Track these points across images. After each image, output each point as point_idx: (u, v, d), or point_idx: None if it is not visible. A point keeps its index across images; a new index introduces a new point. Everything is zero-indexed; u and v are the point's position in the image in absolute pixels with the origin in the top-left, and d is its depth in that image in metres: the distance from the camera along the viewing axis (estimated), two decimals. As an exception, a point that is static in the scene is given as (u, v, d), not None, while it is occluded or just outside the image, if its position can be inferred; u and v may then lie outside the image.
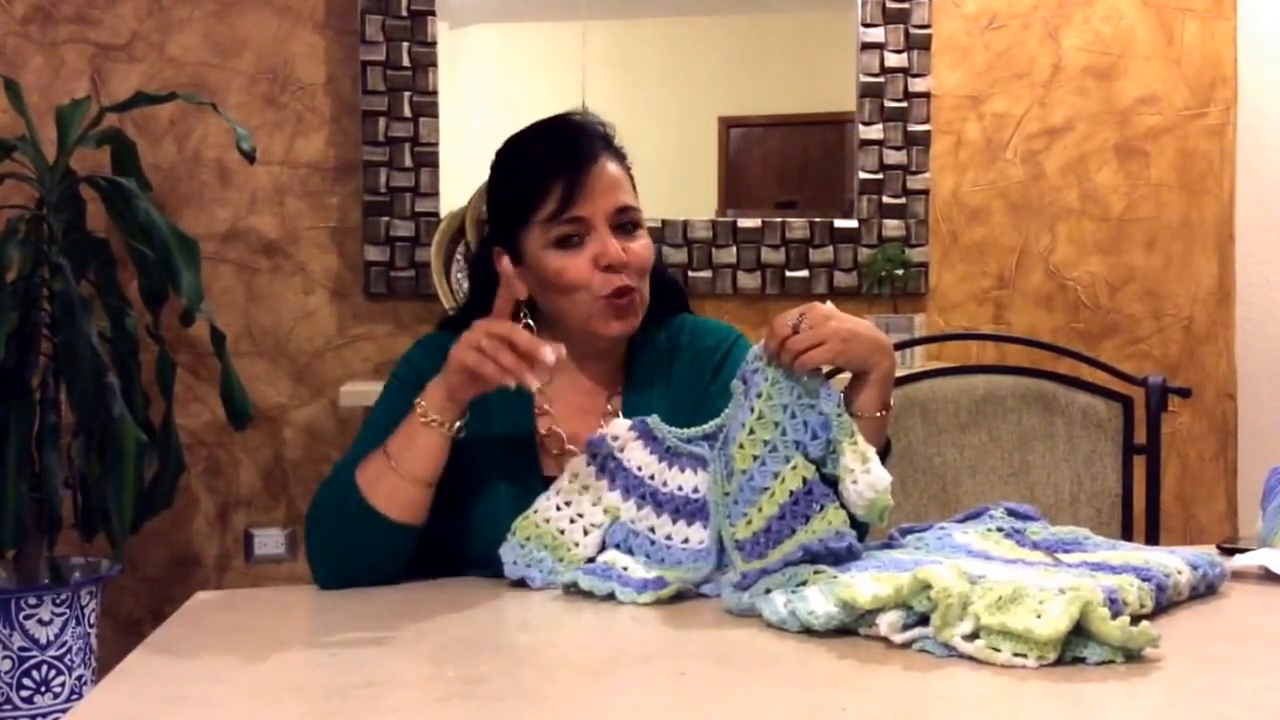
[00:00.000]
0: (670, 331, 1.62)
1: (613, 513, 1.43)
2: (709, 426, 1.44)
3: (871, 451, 1.34)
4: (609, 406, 1.57)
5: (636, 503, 1.43)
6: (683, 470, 1.44)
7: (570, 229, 1.47)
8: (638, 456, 1.44)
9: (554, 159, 1.49)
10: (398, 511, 1.40)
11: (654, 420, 1.45)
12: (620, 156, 1.54)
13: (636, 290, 1.50)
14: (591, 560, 1.41)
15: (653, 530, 1.43)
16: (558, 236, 1.48)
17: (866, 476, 1.32)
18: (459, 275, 3.07)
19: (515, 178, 1.53)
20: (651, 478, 1.44)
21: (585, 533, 1.42)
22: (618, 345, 1.59)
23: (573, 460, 1.45)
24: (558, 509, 1.43)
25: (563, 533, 1.42)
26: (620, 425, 1.46)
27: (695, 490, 1.43)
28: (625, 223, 1.50)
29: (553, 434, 1.54)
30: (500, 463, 1.51)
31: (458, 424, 1.41)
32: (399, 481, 1.40)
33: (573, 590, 1.34)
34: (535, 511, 1.43)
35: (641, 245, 1.51)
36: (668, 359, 1.59)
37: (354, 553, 1.40)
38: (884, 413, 1.41)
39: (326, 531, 1.42)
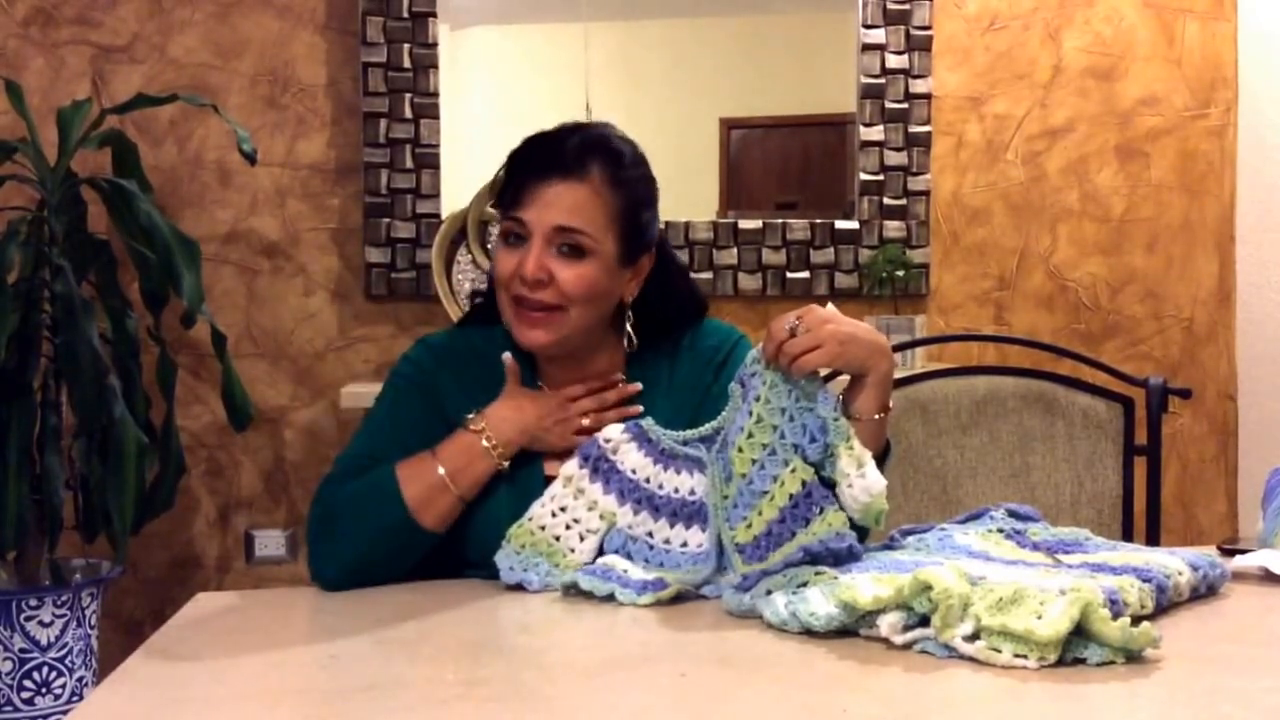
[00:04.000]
0: (673, 339, 1.62)
1: (609, 518, 1.43)
2: (705, 429, 1.44)
3: (867, 456, 1.34)
4: None
5: (633, 507, 1.43)
6: (679, 473, 1.44)
7: (513, 226, 1.50)
8: (632, 459, 1.44)
9: (526, 157, 1.52)
10: (439, 526, 1.44)
11: (648, 423, 1.46)
12: (610, 181, 1.50)
13: (557, 308, 1.48)
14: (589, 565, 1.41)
15: (650, 535, 1.42)
16: (503, 230, 1.52)
17: (862, 481, 1.32)
18: (459, 277, 3.07)
19: (506, 164, 1.55)
20: (647, 481, 1.44)
21: (581, 539, 1.42)
22: (603, 349, 1.58)
23: (565, 464, 1.45)
24: (553, 515, 1.43)
25: (558, 539, 1.42)
26: (614, 428, 1.46)
27: (692, 493, 1.43)
28: (567, 245, 1.47)
29: None
30: None
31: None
32: (452, 500, 1.44)
33: (572, 591, 1.34)
34: (530, 519, 1.43)
35: (573, 274, 1.47)
36: (669, 360, 1.59)
37: (381, 558, 1.42)
38: (883, 415, 1.40)
39: (349, 534, 1.42)
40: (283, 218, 3.13)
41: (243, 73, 3.10)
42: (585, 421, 1.50)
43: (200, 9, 3.08)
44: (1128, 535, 2.04)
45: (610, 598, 1.32)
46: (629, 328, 1.56)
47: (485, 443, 1.45)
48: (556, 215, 1.47)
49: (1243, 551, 1.46)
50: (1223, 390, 3.38)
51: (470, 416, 1.48)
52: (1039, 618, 1.06)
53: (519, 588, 1.38)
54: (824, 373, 1.39)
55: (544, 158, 1.50)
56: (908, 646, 1.12)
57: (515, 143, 1.56)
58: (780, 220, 3.24)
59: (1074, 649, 1.07)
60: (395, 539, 1.42)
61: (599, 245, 1.49)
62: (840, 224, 3.24)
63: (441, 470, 1.43)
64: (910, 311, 3.21)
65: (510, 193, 1.51)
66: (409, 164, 3.11)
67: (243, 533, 3.14)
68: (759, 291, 3.22)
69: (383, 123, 3.10)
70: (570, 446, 1.48)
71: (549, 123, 1.60)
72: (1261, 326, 3.29)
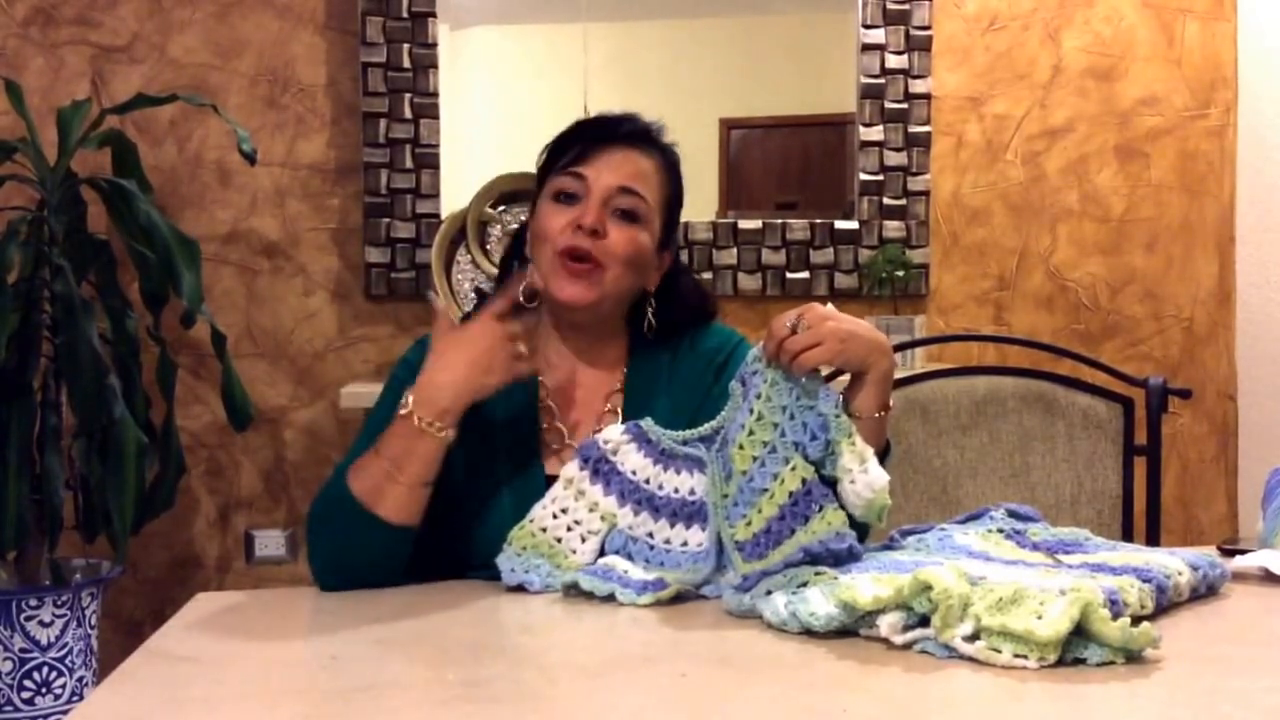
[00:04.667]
0: (676, 335, 1.63)
1: (609, 519, 1.43)
2: (705, 428, 1.44)
3: (869, 452, 1.34)
4: (608, 405, 1.57)
5: (633, 508, 1.43)
6: (679, 473, 1.44)
7: (568, 182, 1.52)
8: (632, 460, 1.44)
9: (594, 125, 1.57)
10: (401, 517, 1.40)
11: (647, 423, 1.45)
12: (666, 166, 1.57)
13: (601, 266, 1.50)
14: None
15: (651, 535, 1.42)
16: (556, 189, 1.53)
17: (864, 476, 1.32)
18: (459, 277, 3.07)
19: (561, 133, 1.58)
20: (647, 481, 1.44)
21: (582, 540, 1.42)
22: (614, 337, 1.60)
23: (566, 466, 1.45)
24: (554, 517, 1.43)
25: (559, 540, 1.42)
26: (614, 429, 1.46)
27: (692, 492, 1.43)
28: (624, 208, 1.51)
29: (553, 430, 1.55)
30: (502, 461, 1.51)
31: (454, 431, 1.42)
32: (400, 489, 1.39)
33: (573, 591, 1.34)
34: (531, 520, 1.43)
35: (625, 235, 1.51)
36: (669, 358, 1.59)
37: (356, 557, 1.40)
38: (883, 413, 1.41)
39: (326, 536, 1.41)
40: (283, 218, 3.13)
41: (243, 73, 3.10)
42: (521, 348, 1.44)
43: (200, 9, 3.08)
44: (1128, 535, 2.04)
45: (610, 598, 1.32)
46: (650, 314, 1.58)
47: (417, 423, 1.39)
48: (622, 176, 1.51)
49: (1243, 551, 1.46)
50: (1223, 390, 3.38)
51: (404, 397, 1.41)
52: (1039, 618, 1.06)
53: (520, 589, 1.38)
54: (826, 371, 1.39)
55: (614, 126, 1.55)
56: (908, 646, 1.12)
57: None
58: (780, 220, 3.24)
59: (1074, 649, 1.07)
60: (365, 538, 1.39)
61: (651, 217, 1.54)
62: (840, 224, 3.24)
63: (383, 460, 1.39)
64: (910, 311, 3.21)
65: (573, 153, 1.53)
66: (409, 164, 3.11)
67: (243, 533, 3.14)
68: (759, 291, 3.22)
69: (383, 123, 3.10)
70: (514, 377, 1.43)
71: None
72: (1261, 326, 3.29)
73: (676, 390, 1.57)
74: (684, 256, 3.20)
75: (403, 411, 1.40)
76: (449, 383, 1.41)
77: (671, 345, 1.60)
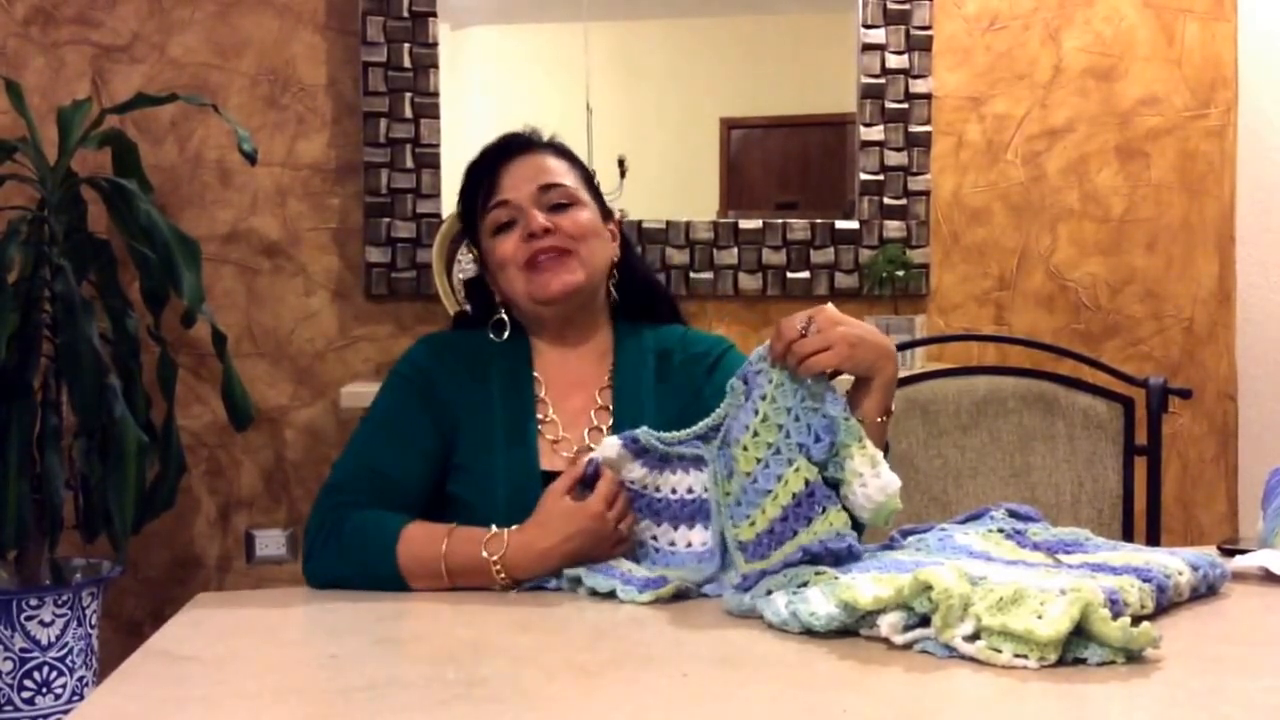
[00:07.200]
0: (659, 335, 1.66)
1: None
2: (699, 427, 1.44)
3: (880, 455, 1.34)
4: (599, 399, 1.60)
5: (634, 515, 1.43)
6: (675, 473, 1.44)
7: (501, 214, 1.58)
8: (633, 473, 1.44)
9: (483, 160, 1.63)
10: (424, 589, 1.41)
11: (643, 433, 1.44)
12: (561, 154, 1.64)
13: (570, 250, 1.57)
14: None
15: (655, 539, 1.43)
16: (493, 224, 1.59)
17: (876, 480, 1.32)
18: (460, 276, 3.07)
19: (464, 185, 1.65)
20: (645, 488, 1.44)
21: None
22: (600, 332, 1.64)
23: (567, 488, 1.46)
24: None
25: None
26: (611, 444, 1.44)
27: (690, 491, 1.43)
28: (556, 202, 1.58)
29: (549, 423, 1.57)
30: (500, 454, 1.52)
31: None
32: (440, 583, 1.40)
33: (575, 586, 1.36)
34: None
35: (569, 219, 1.58)
36: (657, 359, 1.63)
37: (361, 584, 1.41)
38: (885, 418, 1.41)
39: (344, 562, 1.42)
40: (283, 217, 3.12)
41: (243, 72, 3.10)
42: (623, 527, 1.42)
43: (200, 9, 3.08)
44: (1128, 535, 2.04)
45: (611, 595, 1.33)
46: (612, 287, 1.64)
47: (496, 571, 1.38)
48: (536, 177, 1.59)
49: (1243, 551, 1.46)
50: (1223, 390, 3.38)
51: (495, 533, 1.40)
52: (1039, 618, 1.06)
53: (537, 587, 1.39)
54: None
55: (502, 149, 1.62)
56: (908, 646, 1.12)
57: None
58: (780, 220, 3.24)
59: (1074, 649, 1.07)
60: (382, 585, 1.40)
61: (580, 195, 1.61)
62: (840, 224, 3.24)
63: (443, 567, 1.39)
64: (910, 311, 3.21)
65: (484, 189, 1.60)
66: (409, 164, 3.11)
67: (243, 533, 3.14)
68: (759, 291, 3.22)
69: (383, 122, 3.10)
70: (609, 557, 1.41)
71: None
72: (1261, 326, 3.29)
73: (666, 389, 1.60)
74: (684, 256, 3.20)
75: (490, 554, 1.38)
76: (542, 552, 1.39)
77: (659, 345, 1.64)
